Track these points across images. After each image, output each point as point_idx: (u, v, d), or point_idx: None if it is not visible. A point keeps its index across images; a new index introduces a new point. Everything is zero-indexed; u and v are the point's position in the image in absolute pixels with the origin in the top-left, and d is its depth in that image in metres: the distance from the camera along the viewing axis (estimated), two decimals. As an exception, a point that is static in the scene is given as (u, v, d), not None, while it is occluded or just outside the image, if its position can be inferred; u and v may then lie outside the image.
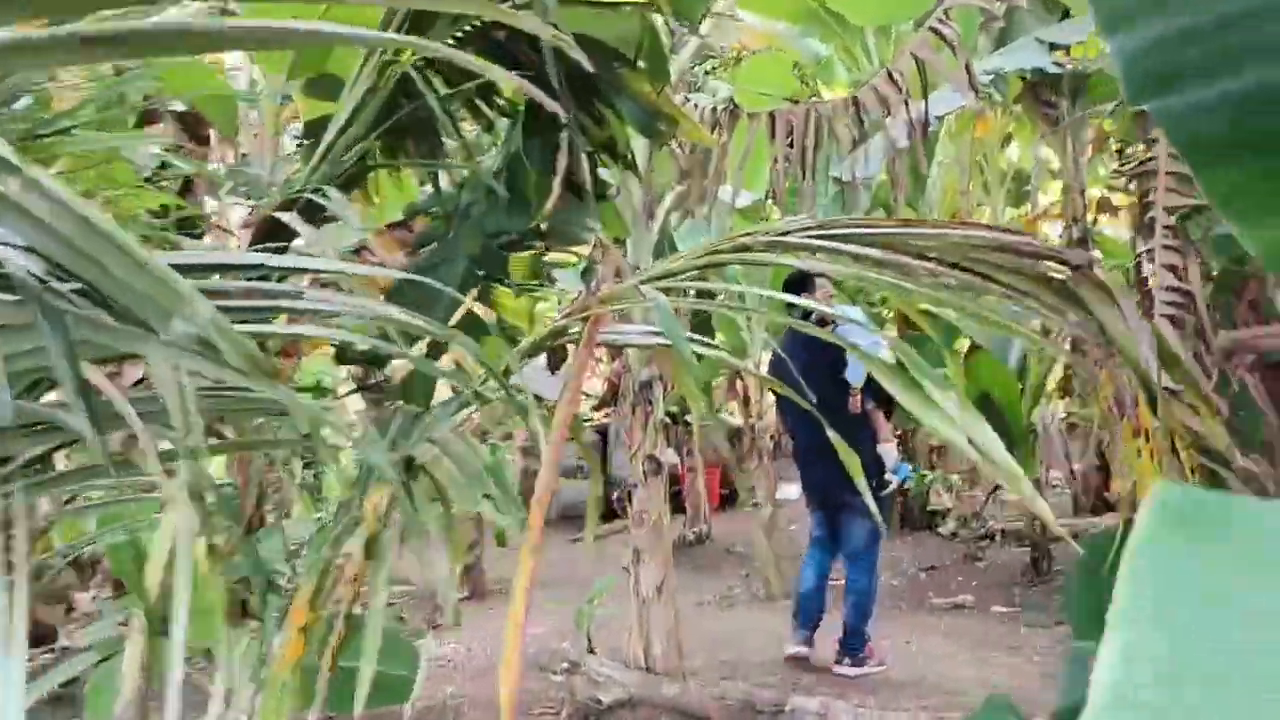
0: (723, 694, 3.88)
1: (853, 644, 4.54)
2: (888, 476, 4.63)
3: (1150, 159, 2.84)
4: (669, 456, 3.68)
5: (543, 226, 2.49)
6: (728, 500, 8.59)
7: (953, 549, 7.00)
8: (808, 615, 4.72)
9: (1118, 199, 11.87)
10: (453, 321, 2.34)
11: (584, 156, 2.32)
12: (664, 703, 3.86)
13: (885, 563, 6.82)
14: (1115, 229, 11.63)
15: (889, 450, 4.62)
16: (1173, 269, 2.46)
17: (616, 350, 9.05)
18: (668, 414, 6.25)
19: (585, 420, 9.15)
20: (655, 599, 4.05)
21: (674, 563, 4.74)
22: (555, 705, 4.13)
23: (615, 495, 8.97)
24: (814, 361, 4.01)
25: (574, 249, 3.38)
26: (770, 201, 5.97)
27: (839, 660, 4.55)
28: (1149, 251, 2.44)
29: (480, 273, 2.52)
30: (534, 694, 4.39)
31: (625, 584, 4.22)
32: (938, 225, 1.67)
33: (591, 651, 4.36)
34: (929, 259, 1.29)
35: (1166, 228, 2.43)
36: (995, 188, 11.24)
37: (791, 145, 3.76)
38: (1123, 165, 11.48)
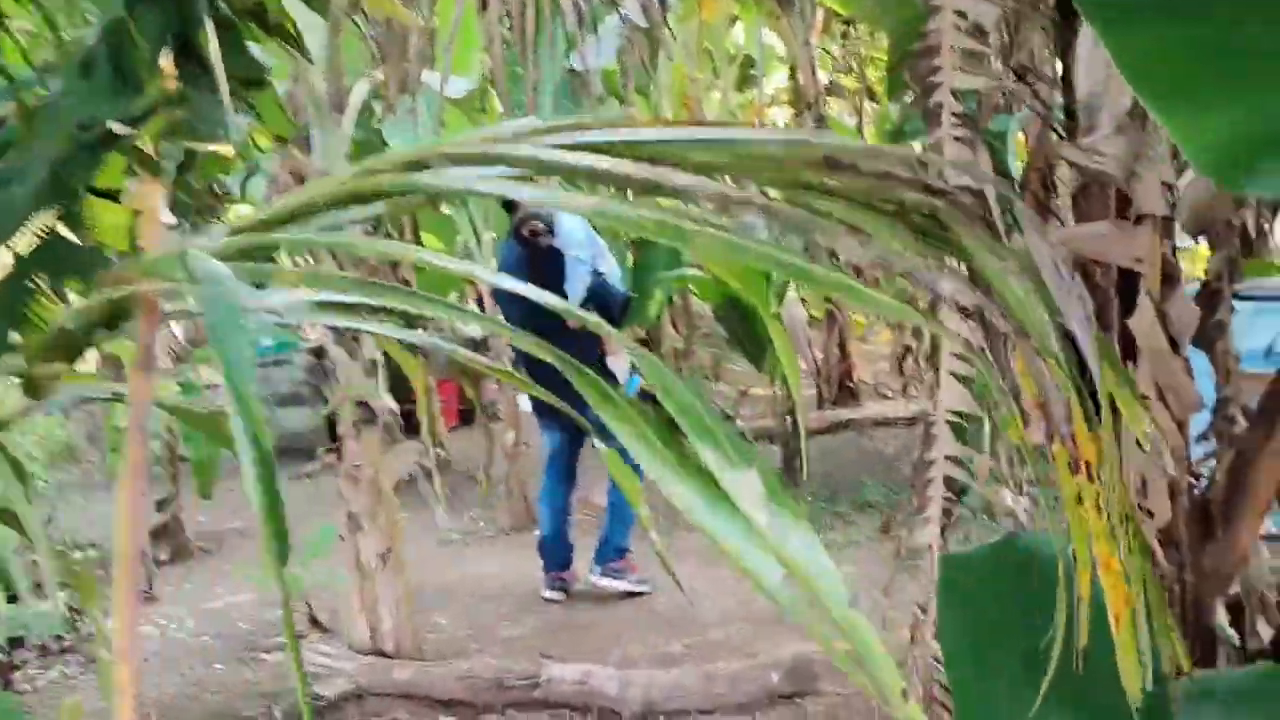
0: (468, 670, 3.37)
1: (605, 553, 4.36)
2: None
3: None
4: (385, 403, 3.03)
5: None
6: (466, 418, 7.98)
7: (701, 452, 6.83)
8: (554, 559, 4.36)
9: (846, 82, 12.03)
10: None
11: (209, 22, 1.71)
12: (397, 690, 3.30)
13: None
14: (841, 114, 11.78)
15: (619, 363, 4.30)
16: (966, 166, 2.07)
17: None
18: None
19: (297, 342, 8.17)
20: (380, 568, 3.43)
21: (408, 497, 4.40)
22: (265, 703, 3.46)
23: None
24: (533, 272, 3.81)
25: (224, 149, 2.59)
26: (493, 89, 5.28)
27: (592, 569, 4.37)
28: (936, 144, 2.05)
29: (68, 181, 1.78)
30: (239, 689, 3.69)
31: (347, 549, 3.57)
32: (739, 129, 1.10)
33: (316, 625, 3.71)
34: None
35: (955, 115, 2.04)
36: (724, 72, 10.98)
37: (511, 26, 3.12)
38: (847, 47, 11.49)
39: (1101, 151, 1.51)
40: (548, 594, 4.36)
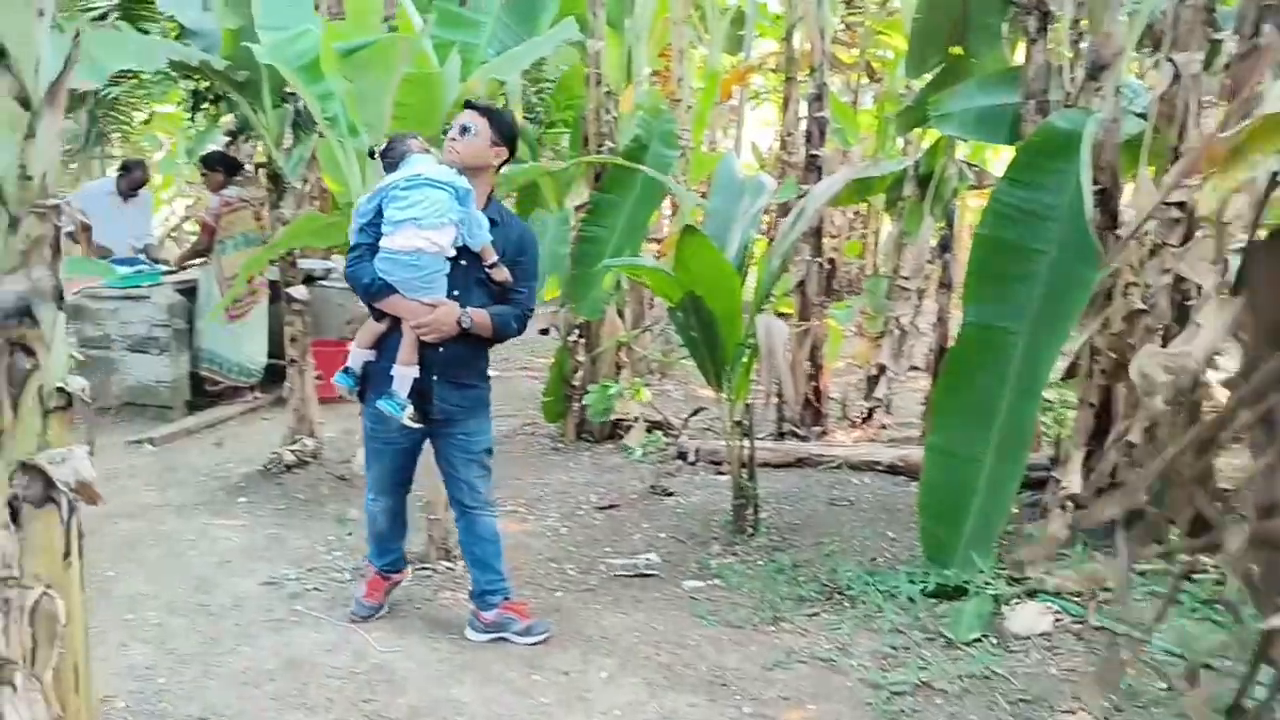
0: None
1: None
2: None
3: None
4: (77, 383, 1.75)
5: None
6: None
7: (637, 473, 5.65)
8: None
9: (843, 56, 10.78)
10: None
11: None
12: None
13: (554, 495, 5.41)
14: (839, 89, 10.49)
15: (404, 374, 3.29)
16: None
17: (225, 179, 6.71)
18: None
19: (167, 273, 6.76)
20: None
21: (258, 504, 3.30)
22: None
23: (208, 374, 6.83)
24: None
25: None
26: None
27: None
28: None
29: None
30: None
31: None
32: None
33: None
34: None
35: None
36: (715, 25, 9.70)
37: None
38: (848, 18, 10.14)
39: None
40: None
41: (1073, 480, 3.90)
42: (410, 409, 3.20)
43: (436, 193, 3.04)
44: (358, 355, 3.31)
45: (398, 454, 3.40)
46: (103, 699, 2.83)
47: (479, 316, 3.19)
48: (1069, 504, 3.91)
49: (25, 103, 1.56)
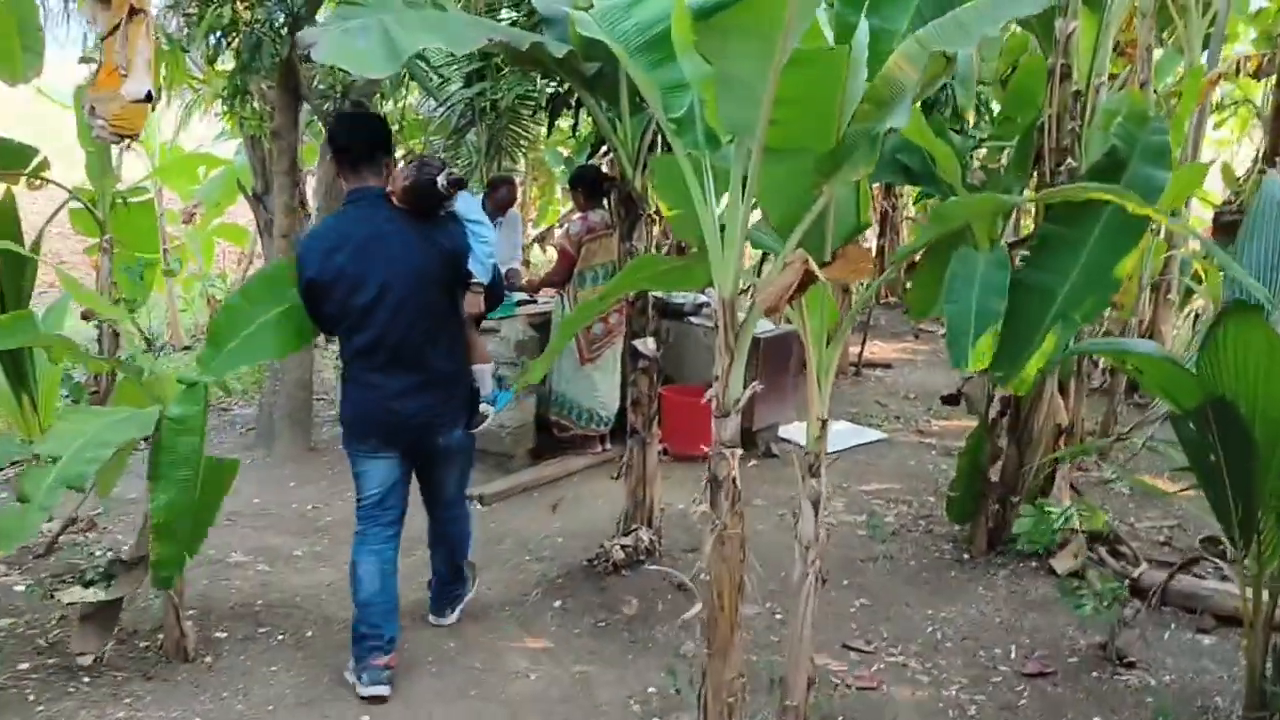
0: None
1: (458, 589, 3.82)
2: (483, 408, 3.69)
3: None
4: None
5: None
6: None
7: (1075, 618, 3.99)
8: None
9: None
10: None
11: None
12: None
13: (957, 640, 3.94)
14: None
15: (484, 373, 3.86)
16: None
17: (589, 201, 5.92)
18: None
19: (519, 303, 6.09)
20: None
21: (573, 618, 3.03)
22: None
23: (555, 419, 6.08)
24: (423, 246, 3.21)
25: None
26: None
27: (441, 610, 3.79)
28: None
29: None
30: None
31: None
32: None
33: None
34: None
35: None
36: (1194, 21, 7.51)
37: None
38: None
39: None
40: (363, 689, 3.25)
41: None
42: None
43: None
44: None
45: None
46: None
47: None
48: None
49: None
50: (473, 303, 3.76)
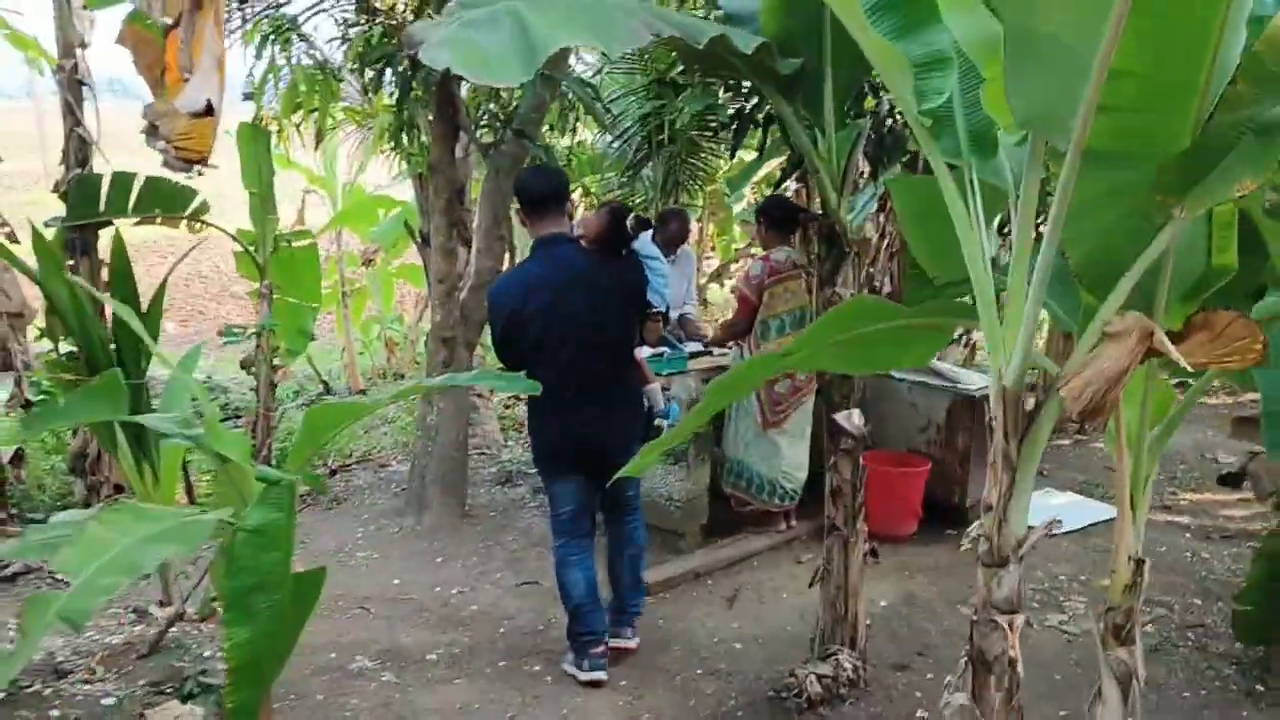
0: None
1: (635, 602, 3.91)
2: (657, 423, 4.06)
3: None
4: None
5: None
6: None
7: None
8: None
9: None
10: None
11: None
12: None
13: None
14: None
15: (654, 390, 3.93)
16: None
17: (773, 236, 5.12)
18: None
19: (692, 355, 5.31)
20: None
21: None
22: None
23: (732, 492, 5.27)
24: (603, 278, 3.50)
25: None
26: None
27: (622, 632, 3.83)
28: None
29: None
30: None
31: None
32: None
33: None
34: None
35: None
36: None
37: None
38: None
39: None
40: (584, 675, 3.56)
41: None
42: None
43: None
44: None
45: None
46: None
47: None
48: None
49: None
50: (652, 330, 4.17)
